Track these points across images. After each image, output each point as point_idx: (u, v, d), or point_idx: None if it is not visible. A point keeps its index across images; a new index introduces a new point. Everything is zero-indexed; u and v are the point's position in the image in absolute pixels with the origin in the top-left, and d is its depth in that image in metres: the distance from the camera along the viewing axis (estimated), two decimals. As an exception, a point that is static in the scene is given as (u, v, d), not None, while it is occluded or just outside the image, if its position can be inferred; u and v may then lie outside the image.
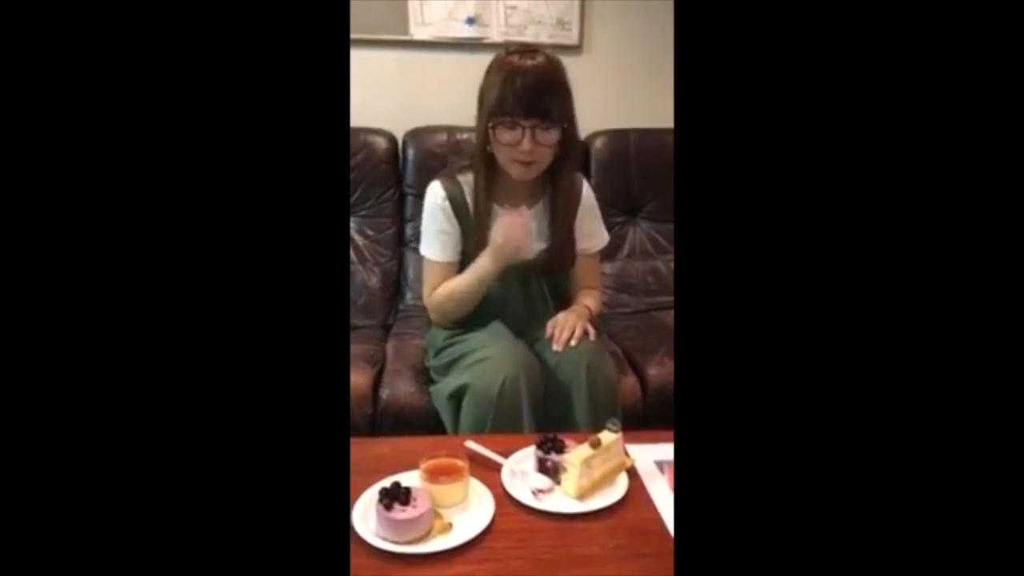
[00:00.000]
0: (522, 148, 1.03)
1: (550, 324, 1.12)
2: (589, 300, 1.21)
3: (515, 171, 1.08)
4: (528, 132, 1.03)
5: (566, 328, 1.10)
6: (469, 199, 1.14)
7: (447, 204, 1.14)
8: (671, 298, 1.75)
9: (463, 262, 1.18)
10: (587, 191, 1.22)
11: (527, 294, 1.17)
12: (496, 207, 1.15)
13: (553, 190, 1.15)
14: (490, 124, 1.06)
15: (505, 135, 1.05)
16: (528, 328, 1.17)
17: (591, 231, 1.23)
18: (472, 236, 1.15)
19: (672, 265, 1.80)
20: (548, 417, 1.05)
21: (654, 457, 0.94)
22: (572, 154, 1.14)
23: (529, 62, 1.04)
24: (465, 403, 1.05)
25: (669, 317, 1.67)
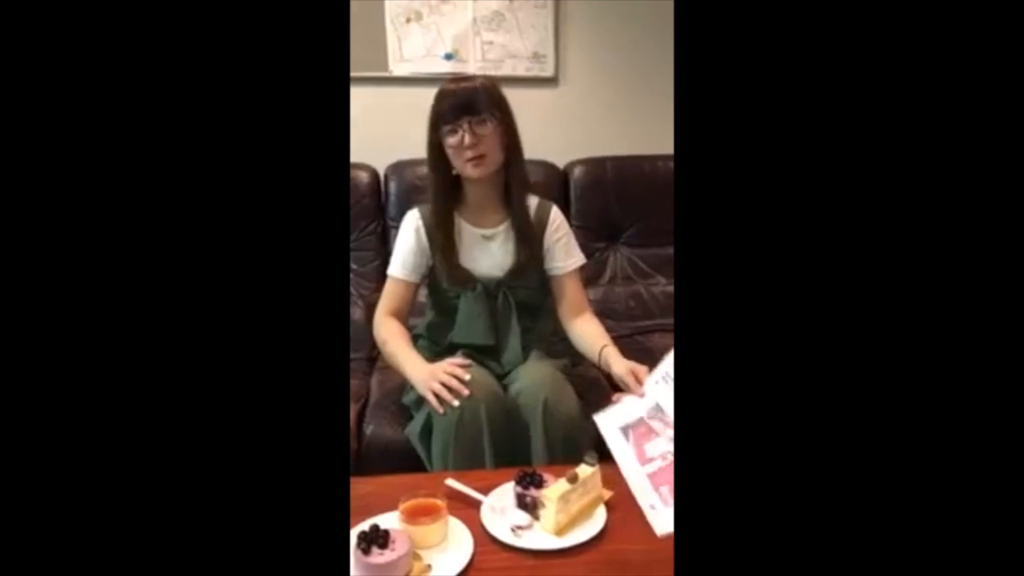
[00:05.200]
0: (464, 144, 1.13)
1: (629, 377, 1.07)
2: (603, 337, 1.22)
3: (468, 171, 1.16)
4: (466, 127, 1.13)
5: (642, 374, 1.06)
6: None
7: (421, 230, 1.24)
8: (653, 322, 1.77)
9: (436, 284, 1.27)
10: (555, 215, 1.28)
11: (493, 309, 1.23)
12: (468, 227, 1.24)
13: (513, 209, 1.23)
14: (435, 136, 1.17)
15: (449, 140, 1.16)
16: (497, 344, 1.22)
17: (566, 251, 1.28)
18: (440, 254, 1.22)
19: (654, 289, 1.83)
20: (510, 449, 1.08)
21: (619, 424, 1.00)
22: (518, 161, 1.21)
23: (463, 83, 1.18)
24: (433, 436, 1.09)
25: (651, 341, 1.69)
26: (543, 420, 1.06)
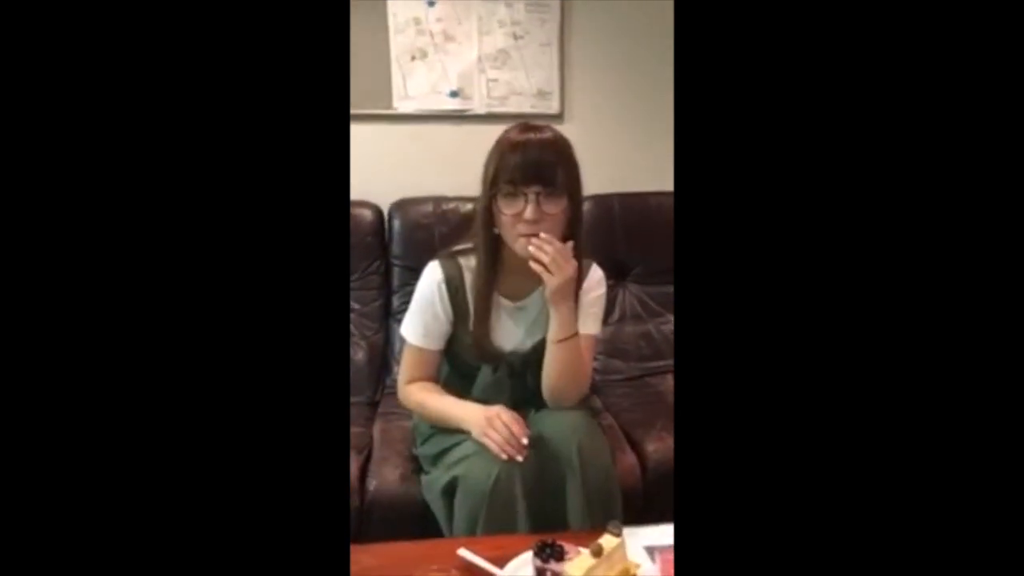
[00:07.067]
0: (525, 217, 0.96)
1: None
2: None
3: (519, 248, 0.99)
4: (532, 199, 0.96)
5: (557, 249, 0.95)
6: (468, 283, 1.09)
7: (443, 288, 1.07)
8: (665, 362, 1.72)
9: (454, 349, 1.13)
10: (593, 274, 1.12)
11: (516, 388, 1.12)
12: (498, 297, 1.09)
13: None
14: (491, 194, 0.99)
15: (507, 206, 0.98)
16: None
17: (589, 312, 1.11)
18: (465, 323, 1.09)
19: (664, 328, 1.78)
20: (542, 509, 0.98)
21: (644, 543, 0.89)
22: (579, 237, 1.03)
23: (533, 135, 1.00)
24: (457, 499, 0.99)
25: (664, 384, 1.63)
26: (580, 469, 0.96)
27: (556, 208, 0.98)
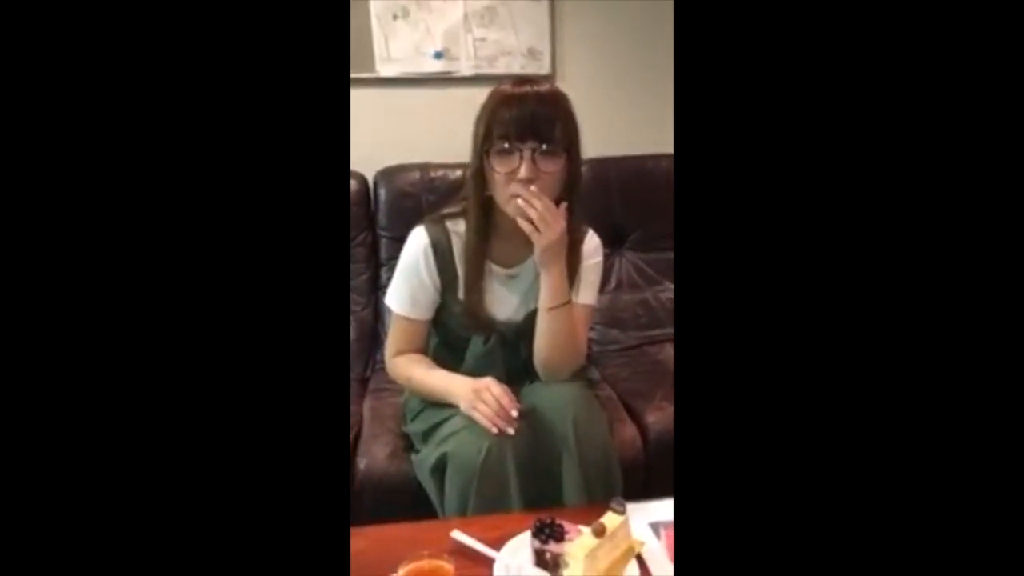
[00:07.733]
0: (520, 176, 0.90)
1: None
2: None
3: (511, 209, 0.93)
4: (527, 156, 0.90)
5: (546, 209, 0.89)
6: (456, 249, 1.03)
7: (430, 252, 1.01)
8: (663, 331, 1.67)
9: (443, 319, 1.07)
10: (588, 241, 1.05)
11: (509, 360, 1.06)
12: (490, 264, 1.03)
13: None
14: (483, 151, 0.93)
15: (500, 164, 0.91)
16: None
17: (584, 283, 1.05)
18: (453, 291, 1.03)
19: (662, 296, 1.73)
20: (536, 486, 0.94)
21: (649, 519, 0.84)
22: (576, 198, 0.97)
23: (529, 88, 0.93)
24: (448, 476, 0.94)
25: (663, 353, 1.59)
26: (576, 444, 0.92)
27: (553, 166, 0.92)
